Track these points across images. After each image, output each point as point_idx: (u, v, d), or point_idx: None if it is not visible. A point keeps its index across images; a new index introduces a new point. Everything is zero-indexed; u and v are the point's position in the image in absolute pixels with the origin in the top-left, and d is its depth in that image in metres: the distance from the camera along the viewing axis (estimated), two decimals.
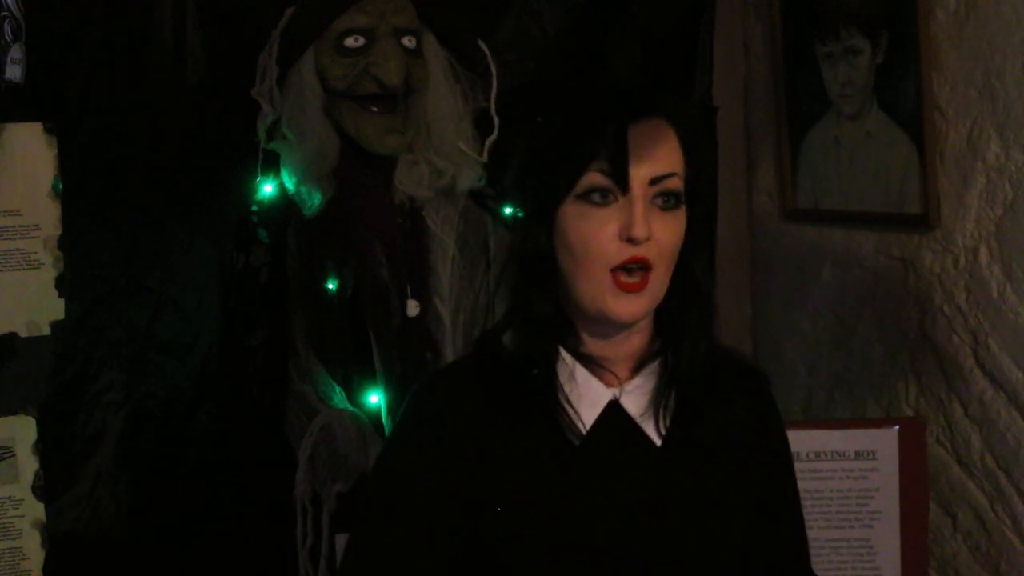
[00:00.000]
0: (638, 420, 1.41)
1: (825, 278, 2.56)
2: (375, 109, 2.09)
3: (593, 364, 1.41)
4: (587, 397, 1.40)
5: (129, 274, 2.34)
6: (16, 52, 1.99)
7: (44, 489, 2.27)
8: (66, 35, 2.26)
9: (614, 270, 1.34)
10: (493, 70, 2.21)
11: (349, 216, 2.14)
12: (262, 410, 2.26)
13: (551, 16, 2.58)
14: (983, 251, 2.12)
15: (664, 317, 1.42)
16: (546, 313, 1.40)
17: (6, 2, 1.97)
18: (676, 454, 1.40)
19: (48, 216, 2.26)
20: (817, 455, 2.10)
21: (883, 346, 2.39)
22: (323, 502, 2.06)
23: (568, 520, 1.36)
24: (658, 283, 1.36)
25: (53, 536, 2.28)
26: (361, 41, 2.07)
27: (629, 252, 1.33)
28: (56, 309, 2.27)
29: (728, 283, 2.78)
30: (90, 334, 2.32)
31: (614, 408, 1.40)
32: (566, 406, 1.39)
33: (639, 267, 1.34)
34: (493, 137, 2.17)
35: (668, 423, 1.41)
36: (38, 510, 2.26)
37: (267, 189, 2.19)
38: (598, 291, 1.35)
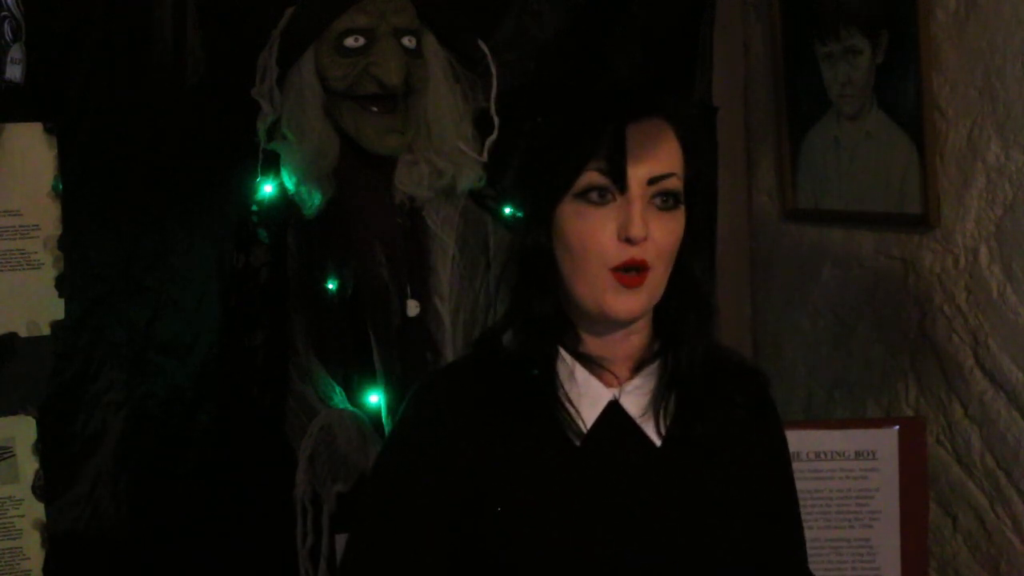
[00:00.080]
0: (638, 420, 1.41)
1: (825, 278, 2.56)
2: (375, 109, 2.09)
3: (593, 364, 1.41)
4: (587, 397, 1.40)
5: (129, 274, 2.34)
6: (16, 52, 1.99)
7: (44, 489, 2.27)
8: (66, 35, 2.26)
9: (612, 269, 1.34)
10: (493, 70, 2.21)
11: (349, 216, 2.14)
12: (262, 410, 2.26)
13: (551, 16, 2.58)
14: (983, 251, 2.12)
15: (664, 317, 1.43)
16: (546, 313, 1.40)
17: (6, 2, 1.97)
18: (676, 454, 1.40)
19: (48, 216, 2.26)
20: (817, 455, 2.10)
21: (883, 346, 2.39)
22: (323, 502, 2.06)
23: (568, 520, 1.36)
24: (656, 282, 1.36)
25: (53, 536, 2.28)
26: (361, 41, 2.07)
27: (627, 254, 1.33)
28: (56, 309, 2.27)
29: (728, 283, 2.78)
30: (90, 334, 2.32)
31: (614, 408, 1.41)
32: (566, 406, 1.39)
33: (636, 269, 1.34)
34: (493, 137, 2.17)
35: (668, 423, 1.41)
36: (38, 510, 2.27)
37: (267, 189, 2.19)
38: (598, 289, 1.35)
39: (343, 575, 1.46)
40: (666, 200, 1.36)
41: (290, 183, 2.14)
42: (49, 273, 2.27)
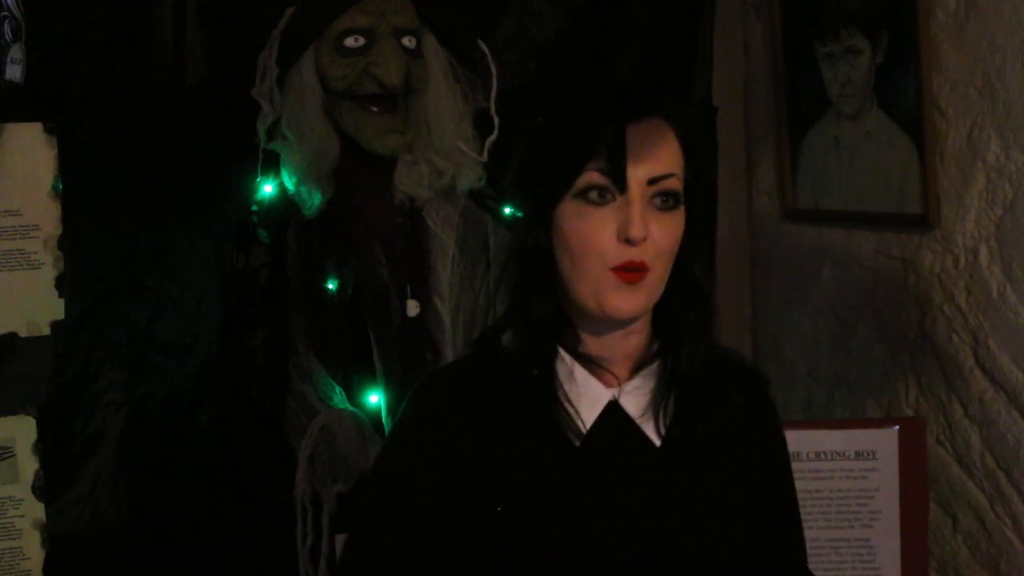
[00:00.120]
0: (637, 421, 1.41)
1: (825, 278, 2.56)
2: (375, 109, 2.09)
3: (592, 364, 1.41)
4: (586, 397, 1.40)
5: (129, 274, 2.34)
6: (16, 52, 1.99)
7: (44, 489, 2.27)
8: (66, 35, 2.26)
9: (612, 269, 1.34)
10: (493, 70, 2.20)
11: (349, 216, 2.14)
12: (262, 410, 2.26)
13: (551, 16, 2.58)
14: (983, 251, 2.12)
15: (663, 317, 1.43)
16: (545, 313, 1.40)
17: (6, 2, 1.97)
18: (675, 454, 1.40)
19: (48, 216, 2.27)
20: (817, 455, 2.10)
21: (883, 346, 2.39)
22: (323, 502, 2.06)
23: (568, 520, 1.36)
24: (656, 281, 1.36)
25: (53, 536, 2.28)
26: (361, 41, 2.07)
27: (626, 255, 1.33)
28: (56, 309, 2.27)
29: (728, 283, 2.78)
30: (90, 334, 2.32)
31: (613, 408, 1.41)
32: (566, 406, 1.39)
33: (635, 270, 1.34)
34: (493, 137, 2.17)
35: (667, 424, 1.41)
36: (38, 510, 2.27)
37: (267, 189, 2.19)
38: (598, 288, 1.35)
39: (342, 575, 1.46)
40: (666, 200, 1.36)
41: (290, 183, 2.14)
42: (49, 273, 2.27)
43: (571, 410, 1.39)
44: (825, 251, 2.55)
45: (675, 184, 1.36)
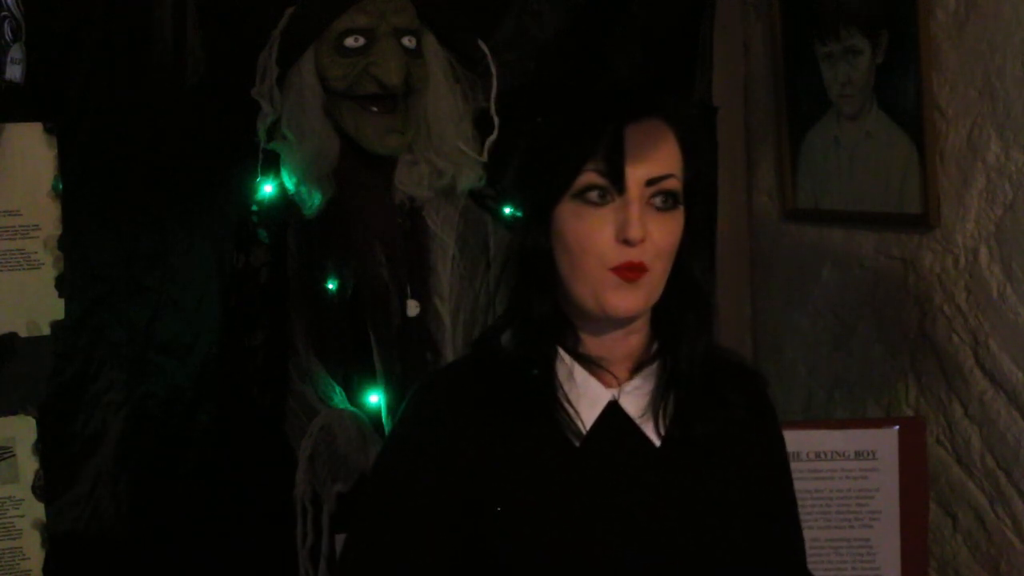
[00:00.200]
0: (637, 421, 1.41)
1: (825, 278, 2.56)
2: (375, 109, 2.09)
3: (592, 364, 1.41)
4: (586, 397, 1.40)
5: (129, 274, 2.34)
6: (16, 52, 1.99)
7: (44, 489, 2.27)
8: (66, 35, 2.26)
9: (611, 269, 1.34)
10: (493, 70, 2.20)
11: (349, 216, 2.14)
12: (262, 410, 2.26)
13: (551, 16, 2.58)
14: (983, 251, 2.12)
15: (663, 317, 1.43)
16: (545, 313, 1.40)
17: (6, 2, 1.97)
18: (675, 455, 1.40)
19: (48, 216, 2.27)
20: (817, 455, 2.10)
21: (883, 346, 2.39)
22: (323, 502, 2.06)
23: (568, 520, 1.36)
24: (655, 281, 1.36)
25: (53, 536, 2.28)
26: (361, 41, 2.07)
27: (625, 255, 1.33)
28: (56, 309, 2.28)
29: (728, 283, 2.78)
30: (90, 334, 2.32)
31: (613, 409, 1.41)
32: (566, 406, 1.39)
33: (633, 269, 1.34)
34: (493, 137, 2.17)
35: (667, 424, 1.41)
36: (38, 510, 2.27)
37: (267, 189, 2.19)
38: (597, 288, 1.35)
39: (342, 575, 1.46)
40: (665, 200, 1.36)
41: (290, 183, 2.14)
42: (49, 273, 2.27)
43: (571, 410, 1.39)
44: (825, 251, 2.55)
45: (674, 184, 1.36)
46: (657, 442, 1.40)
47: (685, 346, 1.42)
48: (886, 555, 2.09)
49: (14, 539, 2.25)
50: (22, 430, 2.25)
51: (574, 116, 1.38)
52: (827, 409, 2.56)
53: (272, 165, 2.18)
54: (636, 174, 1.33)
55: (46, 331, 2.27)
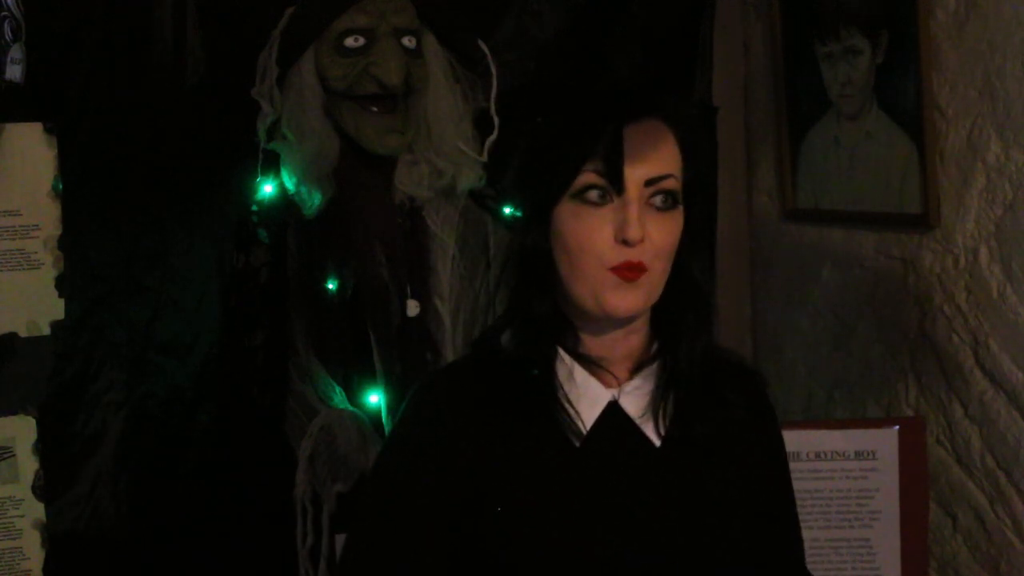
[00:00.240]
0: (637, 421, 1.41)
1: (825, 278, 2.56)
2: (375, 109, 2.09)
3: (592, 364, 1.41)
4: (586, 398, 1.40)
5: (129, 274, 2.34)
6: (16, 52, 1.99)
7: (44, 489, 2.27)
8: (66, 35, 2.26)
9: (610, 269, 1.34)
10: (493, 70, 2.21)
11: (349, 216, 2.14)
12: (262, 410, 2.26)
13: (551, 16, 2.58)
14: (983, 251, 2.12)
15: (662, 317, 1.43)
16: (544, 313, 1.40)
17: (6, 2, 1.97)
18: (675, 455, 1.40)
19: (48, 216, 2.27)
20: (817, 455, 2.10)
21: (883, 346, 2.39)
22: (323, 502, 2.06)
23: (568, 520, 1.36)
24: (655, 281, 1.36)
25: (53, 536, 2.28)
26: (361, 41, 2.07)
27: (624, 256, 1.33)
28: (56, 309, 2.28)
29: (728, 283, 2.78)
30: (90, 334, 2.32)
31: (613, 409, 1.41)
32: (566, 406, 1.39)
33: (633, 269, 1.34)
34: (493, 137, 2.17)
35: (667, 424, 1.41)
36: (38, 510, 2.27)
37: (267, 189, 2.19)
38: (597, 288, 1.35)
39: (342, 575, 1.46)
40: (665, 200, 1.36)
41: (290, 183, 2.14)
42: (49, 273, 2.27)
43: (571, 410, 1.39)
44: (825, 251, 2.55)
45: (673, 185, 1.36)
46: (657, 442, 1.40)
47: (685, 346, 1.42)
48: (886, 555, 2.09)
49: (14, 539, 2.25)
50: (22, 430, 2.25)
51: (574, 116, 1.38)
52: (827, 409, 2.56)
53: (272, 165, 2.18)
54: (635, 174, 1.33)
55: (46, 331, 2.27)
